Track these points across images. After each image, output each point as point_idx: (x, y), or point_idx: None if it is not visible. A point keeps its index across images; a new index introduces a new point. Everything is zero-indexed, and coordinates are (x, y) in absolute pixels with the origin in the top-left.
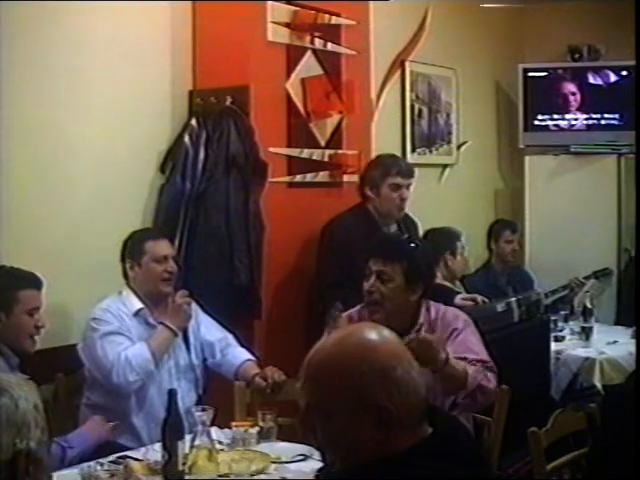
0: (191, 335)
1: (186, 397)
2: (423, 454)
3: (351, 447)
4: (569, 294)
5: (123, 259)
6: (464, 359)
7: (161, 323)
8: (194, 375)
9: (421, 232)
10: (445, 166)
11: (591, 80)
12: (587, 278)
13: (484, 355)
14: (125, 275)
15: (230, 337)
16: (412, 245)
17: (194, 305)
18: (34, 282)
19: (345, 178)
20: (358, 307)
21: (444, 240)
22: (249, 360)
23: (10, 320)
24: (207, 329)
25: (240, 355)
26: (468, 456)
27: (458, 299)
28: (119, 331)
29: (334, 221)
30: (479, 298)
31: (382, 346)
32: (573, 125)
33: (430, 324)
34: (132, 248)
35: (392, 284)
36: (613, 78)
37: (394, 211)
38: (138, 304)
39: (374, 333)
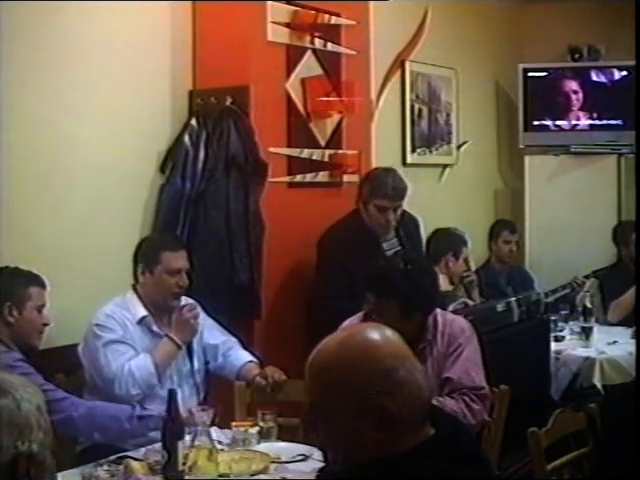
0: (194, 341)
1: (187, 402)
2: (425, 455)
3: (353, 447)
4: (570, 293)
5: (135, 261)
6: (458, 389)
7: (167, 335)
8: (195, 380)
9: (422, 228)
10: (445, 166)
11: (594, 78)
12: (587, 277)
13: (478, 380)
14: (135, 277)
15: (233, 340)
16: (410, 273)
17: (198, 307)
18: (40, 281)
19: (345, 178)
20: (360, 314)
21: (448, 241)
22: (251, 362)
23: (23, 316)
24: (210, 333)
25: (242, 357)
26: (470, 457)
27: (450, 308)
28: (122, 340)
29: (327, 234)
30: (469, 302)
31: (385, 347)
32: (574, 125)
33: (437, 337)
34: (147, 253)
35: (388, 319)
36: (617, 75)
37: (379, 231)
38: (142, 311)
39: (377, 333)
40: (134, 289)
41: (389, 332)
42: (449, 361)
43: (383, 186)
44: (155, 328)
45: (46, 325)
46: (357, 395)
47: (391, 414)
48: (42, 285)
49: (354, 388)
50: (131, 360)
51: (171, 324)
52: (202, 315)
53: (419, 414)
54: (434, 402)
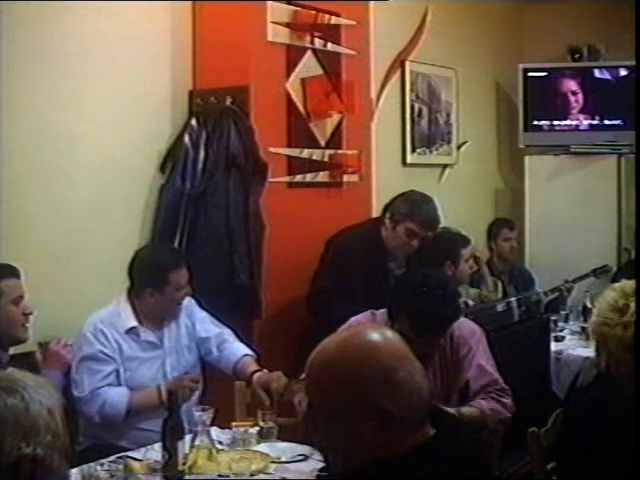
0: (185, 337)
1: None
2: (425, 456)
3: (353, 449)
4: (559, 298)
5: (134, 278)
6: (480, 388)
7: (157, 387)
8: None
9: None
10: (445, 166)
11: (597, 74)
12: (585, 276)
13: (497, 375)
14: (135, 293)
15: (227, 332)
16: (444, 299)
17: (192, 303)
18: (12, 271)
19: (345, 178)
20: (367, 313)
21: (446, 248)
22: (247, 355)
23: None
24: (202, 326)
25: (237, 351)
26: (470, 458)
27: None
28: (101, 356)
29: (340, 237)
30: (469, 302)
31: (385, 347)
32: (574, 125)
33: (447, 341)
34: (154, 276)
35: (436, 346)
36: (617, 75)
37: (398, 252)
38: (132, 322)
39: (376, 334)
40: (128, 297)
41: (389, 333)
42: (465, 363)
43: (423, 213)
44: (144, 336)
45: (28, 315)
46: (357, 396)
47: (391, 415)
48: (16, 275)
49: (354, 389)
50: (107, 385)
51: (163, 331)
52: (194, 308)
53: (419, 415)
54: (468, 408)
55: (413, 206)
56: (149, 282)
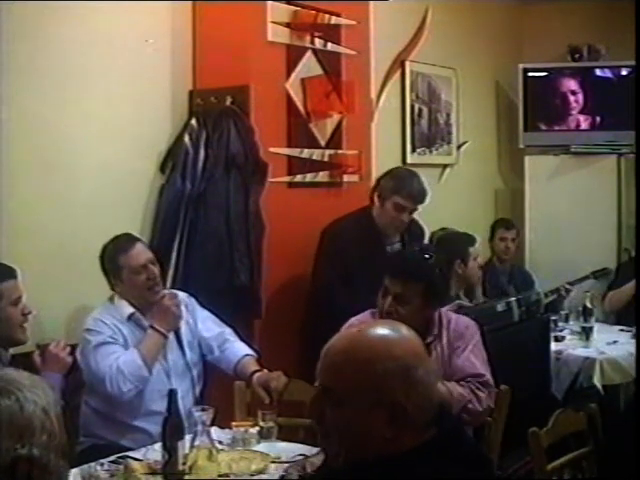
0: (188, 333)
1: (184, 397)
2: (428, 454)
3: (359, 440)
4: (558, 299)
5: (105, 273)
6: (461, 377)
7: (151, 326)
8: (191, 374)
9: (426, 239)
10: (445, 166)
11: (598, 74)
12: (585, 278)
13: (481, 368)
14: (111, 287)
15: (228, 331)
16: (430, 262)
17: (193, 301)
18: (10, 273)
19: (345, 178)
20: (366, 313)
21: (455, 247)
22: (247, 355)
23: None
24: (204, 325)
25: (238, 351)
26: (473, 457)
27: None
28: (110, 340)
29: (334, 225)
30: (464, 304)
31: (407, 344)
32: (573, 125)
33: (443, 333)
34: (108, 264)
35: (410, 306)
36: (617, 74)
37: (389, 229)
38: (130, 309)
39: (398, 330)
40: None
41: (409, 331)
42: (455, 355)
43: (409, 186)
44: (145, 323)
45: (27, 315)
46: (373, 386)
47: (404, 411)
48: (13, 276)
49: (371, 379)
50: (119, 358)
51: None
52: (196, 307)
53: (428, 415)
54: (440, 386)
55: (399, 181)
56: (107, 271)
